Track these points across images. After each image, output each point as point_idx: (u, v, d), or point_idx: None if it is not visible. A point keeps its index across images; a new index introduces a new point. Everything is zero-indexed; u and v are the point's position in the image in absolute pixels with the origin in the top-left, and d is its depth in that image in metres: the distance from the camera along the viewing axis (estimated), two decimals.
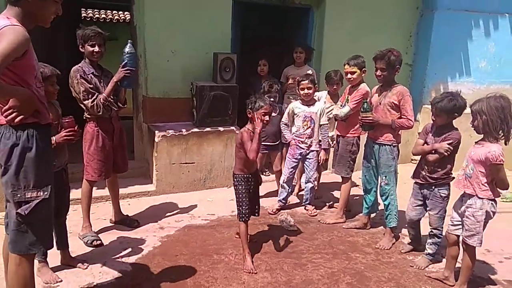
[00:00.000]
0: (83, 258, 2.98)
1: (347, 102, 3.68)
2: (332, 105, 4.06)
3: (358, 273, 3.01)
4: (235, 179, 3.09)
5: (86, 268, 2.88)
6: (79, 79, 3.05)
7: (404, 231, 3.56)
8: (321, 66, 5.20)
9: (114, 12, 11.78)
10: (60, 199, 2.65)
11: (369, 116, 3.32)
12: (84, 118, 3.23)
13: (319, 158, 3.96)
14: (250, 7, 5.44)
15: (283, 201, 4.11)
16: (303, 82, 3.84)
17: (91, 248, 3.16)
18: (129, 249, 3.20)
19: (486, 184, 2.59)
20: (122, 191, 3.86)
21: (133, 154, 4.79)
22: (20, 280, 2.03)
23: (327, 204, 4.32)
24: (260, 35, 6.31)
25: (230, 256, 3.15)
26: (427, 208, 3.11)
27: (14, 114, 1.88)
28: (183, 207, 4.09)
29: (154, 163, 4.33)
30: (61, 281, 2.71)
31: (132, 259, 3.05)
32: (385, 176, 3.42)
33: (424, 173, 3.03)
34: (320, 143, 3.96)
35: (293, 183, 4.34)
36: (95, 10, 11.53)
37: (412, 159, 5.47)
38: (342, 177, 3.86)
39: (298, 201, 4.38)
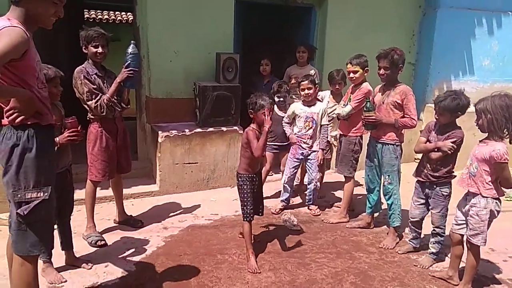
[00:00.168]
0: (87, 258, 3.00)
1: (350, 101, 3.68)
2: (335, 104, 4.05)
3: (362, 272, 3.01)
4: (239, 179, 3.09)
5: (91, 268, 2.89)
6: (82, 79, 3.06)
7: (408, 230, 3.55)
8: (323, 65, 5.18)
9: (117, 13, 11.84)
10: (64, 199, 2.68)
11: (372, 116, 3.31)
12: (88, 118, 3.24)
13: (317, 158, 3.96)
14: (250, 7, 5.44)
15: (286, 201, 4.11)
16: (303, 82, 3.84)
17: (95, 248, 3.17)
18: (133, 249, 3.21)
19: (490, 183, 2.58)
20: (125, 191, 3.88)
21: (136, 154, 4.81)
22: (23, 281, 2.04)
23: (330, 203, 4.31)
24: (260, 35, 6.30)
25: (234, 256, 3.16)
26: (429, 207, 3.10)
27: (15, 115, 1.90)
28: (186, 207, 4.10)
29: (158, 164, 4.34)
30: (66, 281, 2.72)
31: (136, 259, 3.06)
32: (388, 176, 3.42)
33: (426, 171, 3.02)
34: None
35: (296, 183, 4.33)
36: (98, 11, 11.56)
37: (415, 158, 5.44)
38: (345, 176, 3.85)
39: (301, 201, 4.38)
